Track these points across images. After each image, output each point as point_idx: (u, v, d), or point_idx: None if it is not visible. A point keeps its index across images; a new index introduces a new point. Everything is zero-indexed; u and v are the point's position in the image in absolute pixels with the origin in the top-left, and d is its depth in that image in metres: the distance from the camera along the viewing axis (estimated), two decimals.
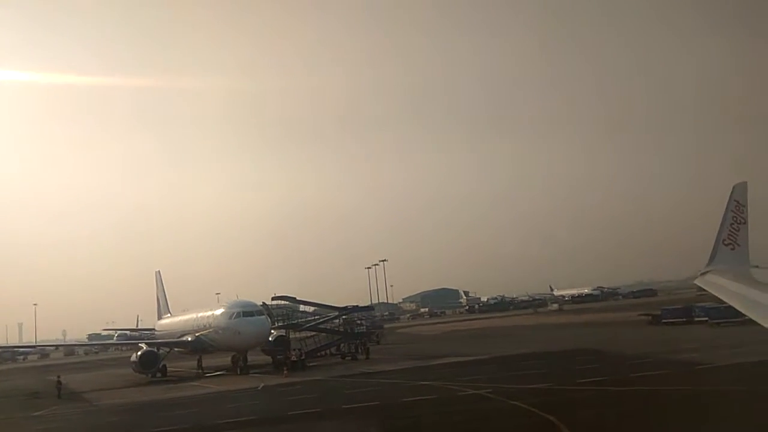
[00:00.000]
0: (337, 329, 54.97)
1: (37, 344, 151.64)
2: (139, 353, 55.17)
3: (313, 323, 54.84)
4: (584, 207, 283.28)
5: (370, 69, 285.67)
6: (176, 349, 60.10)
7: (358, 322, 56.96)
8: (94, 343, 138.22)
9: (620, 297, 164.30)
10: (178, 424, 27.88)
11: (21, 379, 72.02)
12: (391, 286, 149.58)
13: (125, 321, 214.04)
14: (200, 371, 54.72)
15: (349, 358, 52.93)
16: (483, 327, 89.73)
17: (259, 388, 39.47)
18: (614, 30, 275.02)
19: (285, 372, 45.19)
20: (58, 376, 47.77)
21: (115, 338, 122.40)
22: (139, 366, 53.76)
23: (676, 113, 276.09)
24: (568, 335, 58.40)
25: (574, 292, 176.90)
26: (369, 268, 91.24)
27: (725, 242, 17.44)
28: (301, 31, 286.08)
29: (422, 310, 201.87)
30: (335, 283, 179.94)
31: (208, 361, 59.33)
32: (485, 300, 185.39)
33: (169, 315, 76.28)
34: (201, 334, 54.74)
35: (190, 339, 56.57)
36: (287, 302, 55.42)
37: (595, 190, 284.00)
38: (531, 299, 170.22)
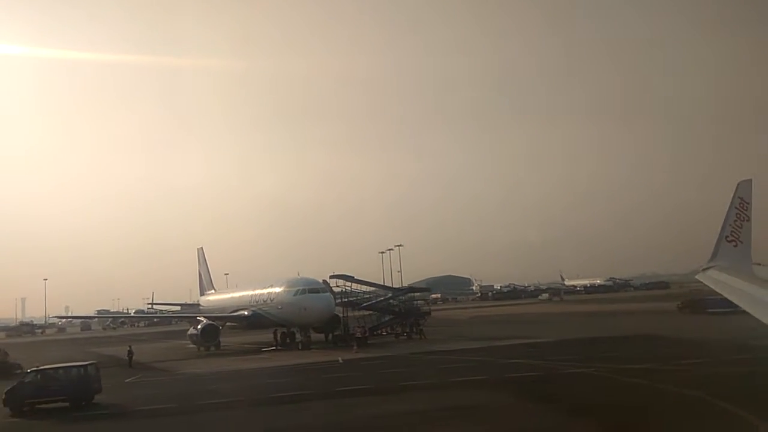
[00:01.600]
0: (393, 309, 56.29)
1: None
2: (200, 326, 56.75)
3: (371, 302, 56.09)
4: (594, 199, 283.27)
5: (390, 54, 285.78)
6: (228, 324, 61.62)
7: (416, 302, 58.61)
8: (152, 314, 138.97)
9: (632, 288, 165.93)
10: (298, 390, 28.96)
11: (66, 351, 72.96)
12: (399, 271, 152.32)
13: (130, 299, 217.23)
14: (276, 346, 55.82)
15: (405, 337, 54.35)
16: (507, 313, 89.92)
17: (340, 361, 40.73)
18: (633, 25, 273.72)
19: (355, 348, 46.65)
20: (130, 347, 49.21)
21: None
22: (201, 338, 55.43)
23: (689, 109, 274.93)
24: (610, 323, 58.12)
25: (586, 282, 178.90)
26: (383, 252, 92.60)
27: (728, 239, 17.32)
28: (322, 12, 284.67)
29: (433, 295, 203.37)
30: (347, 267, 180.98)
31: (239, 338, 60.84)
32: (498, 288, 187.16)
33: (213, 291, 77.67)
34: (260, 310, 56.16)
35: (247, 314, 57.99)
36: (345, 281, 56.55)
37: (605, 183, 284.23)
38: (545, 288, 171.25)
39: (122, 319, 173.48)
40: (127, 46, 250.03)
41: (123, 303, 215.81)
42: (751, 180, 18.35)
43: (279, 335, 58.78)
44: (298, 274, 55.91)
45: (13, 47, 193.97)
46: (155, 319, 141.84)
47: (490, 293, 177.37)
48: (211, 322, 57.04)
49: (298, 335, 53.72)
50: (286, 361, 43.48)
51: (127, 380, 38.77)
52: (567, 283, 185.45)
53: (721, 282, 15.04)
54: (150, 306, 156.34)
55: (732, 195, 17.97)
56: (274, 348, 55.11)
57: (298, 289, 51.31)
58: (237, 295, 63.92)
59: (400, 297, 57.34)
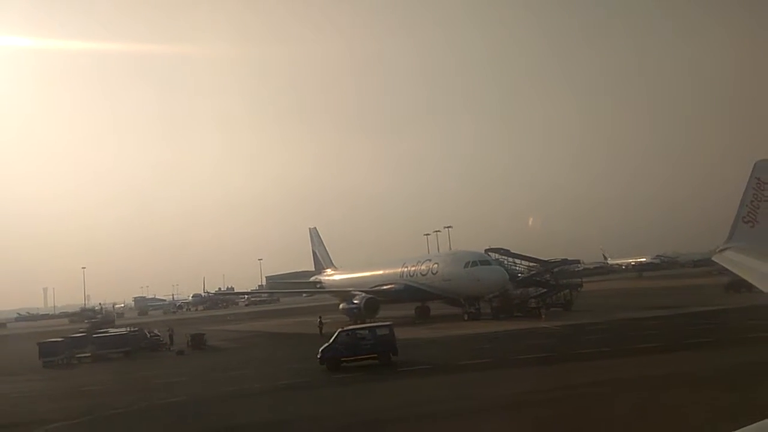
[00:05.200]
0: (547, 281, 58.65)
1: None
2: (359, 300, 59.22)
3: (529, 275, 58.52)
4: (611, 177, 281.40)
5: (413, 32, 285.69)
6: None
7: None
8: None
9: (680, 266, 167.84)
10: (548, 351, 31.05)
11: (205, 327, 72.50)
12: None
13: (160, 287, 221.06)
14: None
15: (560, 308, 56.72)
16: (605, 288, 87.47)
17: (550, 327, 43.10)
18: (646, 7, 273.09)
19: (542, 317, 49.23)
20: (320, 317, 51.91)
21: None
22: (364, 310, 57.91)
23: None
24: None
25: (631, 261, 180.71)
26: (428, 234, 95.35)
27: (745, 219, 16.94)
28: None
29: None
30: (394, 251, 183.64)
31: None
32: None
33: (332, 269, 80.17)
34: (414, 283, 58.81)
35: (397, 287, 60.62)
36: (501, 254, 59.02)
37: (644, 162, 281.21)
38: (593, 267, 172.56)
39: (179, 303, 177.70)
40: (125, 35, 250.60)
41: (152, 289, 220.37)
42: None
43: (416, 309, 61.66)
44: (450, 248, 58.31)
45: (10, 38, 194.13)
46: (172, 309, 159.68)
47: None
48: (371, 296, 59.50)
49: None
50: (489, 329, 45.27)
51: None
52: (610, 261, 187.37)
53: (738, 263, 14.66)
54: (207, 293, 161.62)
55: (749, 175, 17.51)
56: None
57: (468, 261, 53.73)
58: (379, 272, 66.42)
59: (554, 269, 59.63)
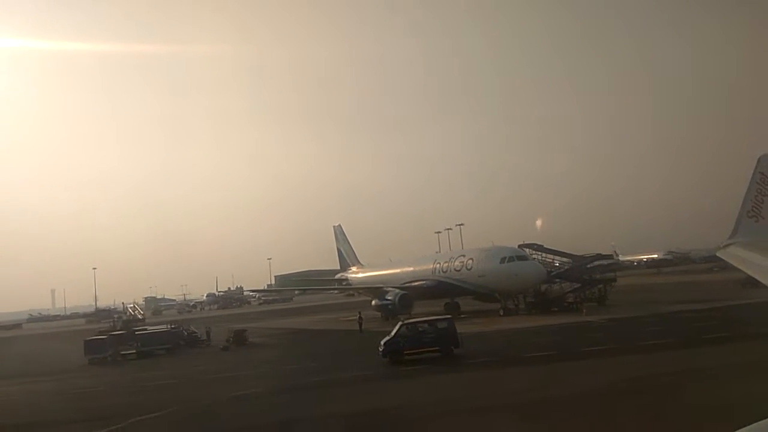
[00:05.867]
0: (582, 277, 58.71)
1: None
2: (392, 296, 59.44)
3: (563, 270, 58.58)
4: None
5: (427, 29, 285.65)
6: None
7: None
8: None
9: (693, 262, 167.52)
10: (604, 344, 31.44)
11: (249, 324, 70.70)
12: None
13: (167, 287, 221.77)
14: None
15: (594, 303, 56.83)
16: (627, 283, 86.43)
17: (596, 321, 43.26)
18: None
19: (584, 311, 49.40)
20: (360, 312, 52.09)
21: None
22: (399, 306, 58.10)
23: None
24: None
25: (643, 257, 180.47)
26: (439, 232, 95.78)
27: (749, 214, 16.79)
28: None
29: None
30: (404, 250, 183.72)
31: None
32: None
33: (358, 266, 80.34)
34: (447, 279, 58.99)
35: (429, 283, 60.82)
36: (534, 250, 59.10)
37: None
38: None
39: (193, 303, 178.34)
40: (127, 36, 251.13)
41: (160, 290, 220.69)
42: None
43: (446, 305, 61.83)
44: (493, 244, 58.50)
45: (12, 40, 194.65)
46: (186, 308, 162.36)
47: None
48: (406, 291, 59.70)
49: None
50: (532, 323, 45.38)
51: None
52: (621, 258, 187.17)
53: (743, 258, 14.48)
54: (221, 291, 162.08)
55: (753, 169, 17.39)
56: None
57: (505, 257, 53.85)
58: (409, 268, 66.65)
59: (588, 265, 59.73)
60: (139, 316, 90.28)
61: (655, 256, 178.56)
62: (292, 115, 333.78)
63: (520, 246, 59.18)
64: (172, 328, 53.73)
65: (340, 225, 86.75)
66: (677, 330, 34.65)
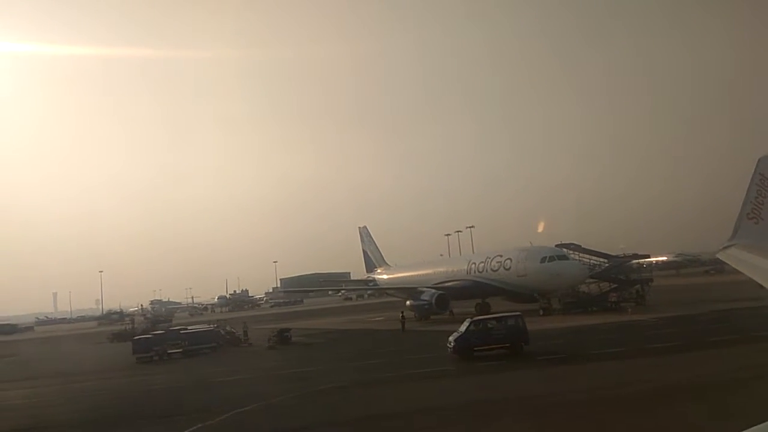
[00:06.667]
0: (619, 277, 58.72)
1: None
2: (428, 296, 59.41)
3: (602, 271, 58.59)
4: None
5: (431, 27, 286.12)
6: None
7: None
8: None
9: (702, 264, 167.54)
10: (669, 341, 31.37)
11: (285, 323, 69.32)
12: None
13: (171, 291, 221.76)
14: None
15: (633, 303, 56.77)
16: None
17: (648, 320, 43.16)
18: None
19: (629, 310, 49.46)
20: (402, 312, 52.13)
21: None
22: (435, 306, 58.14)
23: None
24: None
25: (653, 259, 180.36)
26: (449, 235, 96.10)
27: (749, 216, 16.65)
28: None
29: None
30: (413, 252, 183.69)
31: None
32: None
33: (384, 267, 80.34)
34: (483, 279, 59.04)
35: (464, 283, 60.86)
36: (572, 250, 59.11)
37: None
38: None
39: (204, 306, 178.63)
40: (130, 40, 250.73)
41: (165, 294, 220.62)
42: None
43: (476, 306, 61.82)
44: (530, 243, 58.59)
45: (14, 45, 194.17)
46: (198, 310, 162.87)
47: None
48: (441, 292, 59.74)
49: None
50: (581, 322, 45.04)
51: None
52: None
53: (743, 260, 14.50)
54: (231, 294, 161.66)
55: (752, 171, 17.25)
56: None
57: (546, 256, 53.90)
58: (441, 269, 66.74)
59: (625, 264, 59.74)
60: (171, 315, 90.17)
61: (665, 258, 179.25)
62: (295, 117, 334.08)
63: (557, 245, 59.25)
64: (214, 327, 53.71)
65: (365, 226, 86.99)
66: (740, 326, 34.16)
